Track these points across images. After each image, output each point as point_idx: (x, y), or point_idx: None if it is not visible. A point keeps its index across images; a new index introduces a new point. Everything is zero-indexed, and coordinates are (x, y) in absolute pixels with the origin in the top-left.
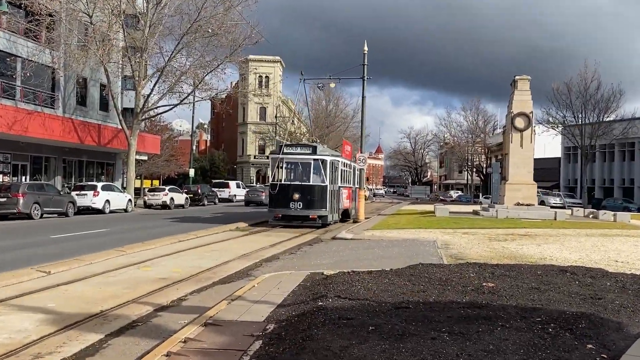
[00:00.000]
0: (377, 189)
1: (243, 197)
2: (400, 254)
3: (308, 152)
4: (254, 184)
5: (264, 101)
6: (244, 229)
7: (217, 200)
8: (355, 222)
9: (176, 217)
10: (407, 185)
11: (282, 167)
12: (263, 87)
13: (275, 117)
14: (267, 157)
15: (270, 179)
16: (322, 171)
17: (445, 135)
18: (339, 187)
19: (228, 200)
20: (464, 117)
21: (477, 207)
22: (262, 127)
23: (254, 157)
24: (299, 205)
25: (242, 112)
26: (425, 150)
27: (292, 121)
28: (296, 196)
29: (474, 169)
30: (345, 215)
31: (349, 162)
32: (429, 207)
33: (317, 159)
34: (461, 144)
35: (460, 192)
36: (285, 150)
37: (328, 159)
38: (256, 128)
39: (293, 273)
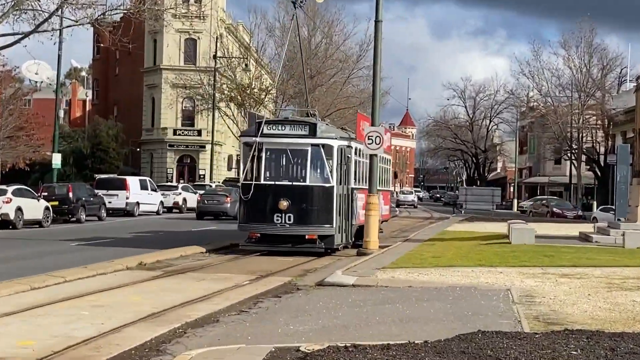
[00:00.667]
0: (403, 193)
1: (150, 207)
2: (443, 313)
3: (303, 132)
4: (173, 182)
5: (194, 28)
6: (165, 264)
7: (104, 212)
8: (361, 253)
9: (30, 241)
10: (458, 187)
11: (261, 158)
12: (191, 1)
13: (215, 57)
14: (198, 133)
15: (242, 177)
16: (326, 164)
17: (531, 94)
18: (352, 189)
19: (126, 212)
20: (565, 59)
21: (588, 227)
22: (189, 76)
23: (175, 133)
24: (288, 219)
25: (153, 49)
26: (492, 121)
27: (245, 64)
28: (284, 204)
29: (582, 156)
30: (360, 235)
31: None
32: (497, 227)
33: (318, 144)
34: (560, 109)
35: (556, 199)
36: (265, 130)
37: (335, 144)
38: (178, 78)
39: (244, 349)
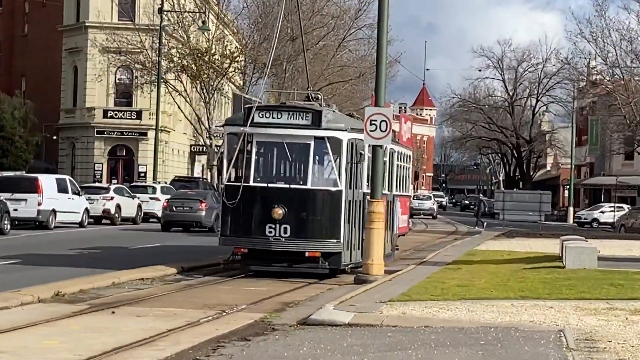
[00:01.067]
0: (417, 198)
1: (70, 217)
2: None
3: (305, 121)
4: (103, 182)
5: None
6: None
7: (7, 224)
8: (360, 280)
9: None
10: (493, 189)
11: (250, 153)
12: None
13: (160, 11)
14: (138, 115)
15: (225, 177)
16: (333, 162)
17: (593, 64)
18: (364, 194)
19: (38, 224)
20: (639, 16)
21: None
22: (125, 37)
23: (105, 116)
24: (284, 231)
25: (75, 0)
26: (541, 101)
27: (202, 21)
28: (279, 212)
29: None
30: None
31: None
32: (546, 246)
33: (323, 137)
34: (632, 84)
35: (626, 208)
36: (257, 119)
37: (345, 137)
38: (110, 39)
39: None
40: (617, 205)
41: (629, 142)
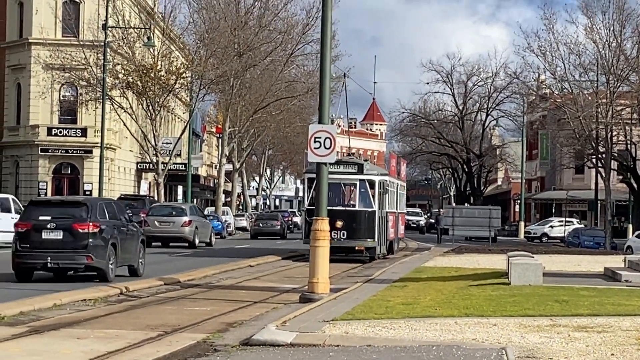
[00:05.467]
0: None
1: (9, 237)
2: None
3: (353, 170)
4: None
5: None
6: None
7: None
8: (305, 298)
9: None
10: (442, 204)
11: None
12: None
13: (105, 27)
14: (83, 133)
15: (306, 203)
16: (370, 194)
17: (542, 77)
18: (386, 212)
19: None
20: (588, 30)
21: (616, 260)
22: (69, 53)
23: (50, 133)
24: (343, 235)
25: (18, 16)
26: (490, 115)
27: (148, 37)
28: (339, 224)
29: (613, 162)
30: (390, 249)
31: (394, 181)
32: (494, 262)
33: (364, 180)
34: (581, 98)
35: (575, 221)
36: None
37: (377, 179)
38: (54, 56)
39: None
40: (566, 219)
41: (579, 156)
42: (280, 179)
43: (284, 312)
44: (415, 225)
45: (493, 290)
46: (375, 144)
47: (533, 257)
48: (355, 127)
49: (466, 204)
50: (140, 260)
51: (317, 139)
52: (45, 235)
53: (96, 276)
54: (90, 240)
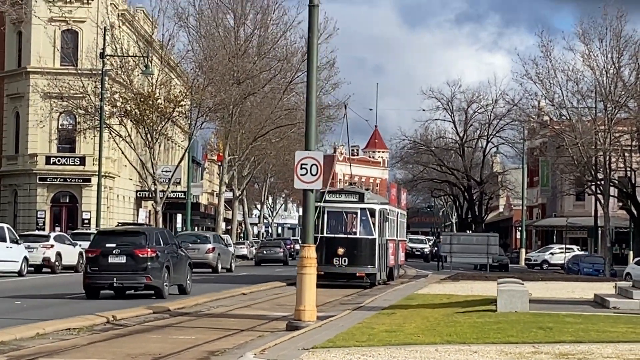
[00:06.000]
0: None
1: (8, 266)
2: None
3: (354, 199)
4: (46, 229)
5: (74, 16)
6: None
7: None
8: (292, 326)
9: None
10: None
11: (324, 217)
12: None
13: (102, 55)
14: (81, 162)
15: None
16: (371, 222)
17: (541, 103)
18: (386, 240)
19: None
20: (585, 57)
21: (607, 287)
22: (67, 82)
23: (48, 162)
24: (344, 262)
25: (17, 45)
26: (491, 142)
27: (145, 66)
28: (341, 251)
29: (612, 189)
30: (390, 275)
31: (394, 210)
32: (488, 289)
33: (365, 208)
34: (580, 125)
35: (576, 248)
36: (327, 198)
37: (377, 207)
38: (52, 85)
39: None
40: (567, 246)
41: (579, 183)
42: (283, 206)
43: (268, 340)
44: (419, 253)
45: (479, 317)
46: (378, 171)
47: (523, 284)
48: (357, 155)
49: (468, 231)
50: (188, 281)
51: (303, 166)
52: (111, 259)
53: (153, 294)
54: (149, 263)
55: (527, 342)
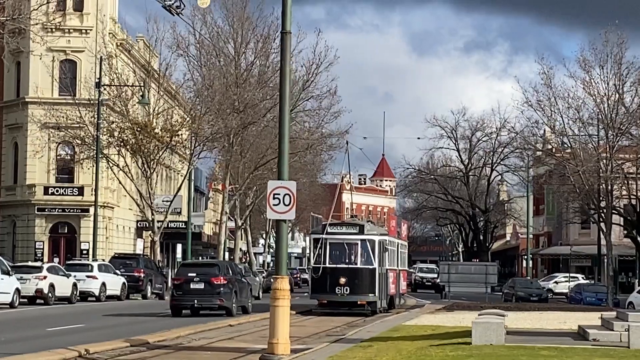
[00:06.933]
0: None
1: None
2: None
3: (355, 231)
4: (45, 260)
5: (73, 46)
6: None
7: None
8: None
9: None
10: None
11: (326, 248)
12: (69, 9)
13: (98, 85)
14: (80, 192)
15: (313, 262)
16: (371, 252)
17: (546, 132)
18: (386, 269)
19: None
20: (586, 84)
21: (593, 318)
22: (63, 111)
23: (46, 192)
24: (346, 291)
25: (15, 76)
26: (495, 170)
27: (142, 95)
28: (342, 280)
29: (615, 217)
30: (390, 303)
31: (394, 240)
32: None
33: (365, 239)
34: (581, 153)
35: (580, 277)
36: (329, 230)
37: (376, 238)
38: (50, 115)
39: None
40: (571, 275)
41: (583, 211)
42: (289, 236)
43: None
44: (430, 283)
45: (451, 351)
46: (385, 200)
47: (504, 315)
48: (365, 184)
49: (475, 260)
50: (249, 302)
51: (276, 196)
52: (192, 285)
53: (225, 314)
54: (222, 288)
55: None
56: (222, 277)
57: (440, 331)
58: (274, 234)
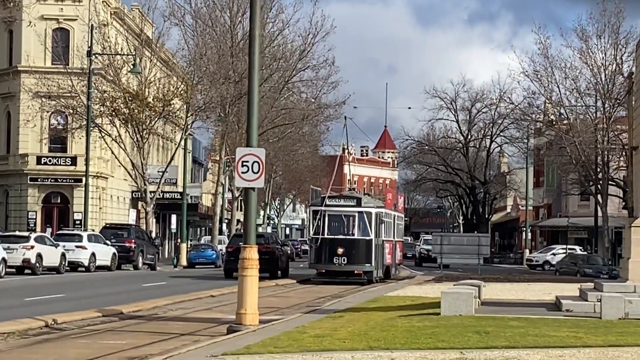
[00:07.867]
0: None
1: None
2: None
3: (352, 204)
4: (37, 229)
5: (66, 14)
6: None
7: None
8: (232, 330)
9: None
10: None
11: (324, 220)
12: None
13: (89, 54)
14: (72, 162)
15: (312, 232)
16: (367, 224)
17: (547, 105)
18: (383, 240)
19: None
20: (583, 54)
21: (572, 289)
22: (57, 81)
23: (39, 162)
24: (344, 261)
25: (8, 44)
26: (495, 141)
27: (133, 64)
28: (340, 251)
29: (611, 188)
30: (387, 273)
31: (390, 213)
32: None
33: (362, 212)
34: (578, 124)
35: (578, 249)
36: (327, 202)
37: (373, 211)
38: (42, 83)
39: None
40: (569, 247)
41: (582, 183)
42: (290, 207)
43: (196, 346)
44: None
45: (418, 321)
46: (387, 172)
47: (481, 285)
48: (367, 155)
49: (475, 232)
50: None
51: (244, 163)
52: None
53: (269, 276)
54: (267, 255)
55: (456, 347)
56: (269, 246)
57: (419, 302)
58: (276, 205)
